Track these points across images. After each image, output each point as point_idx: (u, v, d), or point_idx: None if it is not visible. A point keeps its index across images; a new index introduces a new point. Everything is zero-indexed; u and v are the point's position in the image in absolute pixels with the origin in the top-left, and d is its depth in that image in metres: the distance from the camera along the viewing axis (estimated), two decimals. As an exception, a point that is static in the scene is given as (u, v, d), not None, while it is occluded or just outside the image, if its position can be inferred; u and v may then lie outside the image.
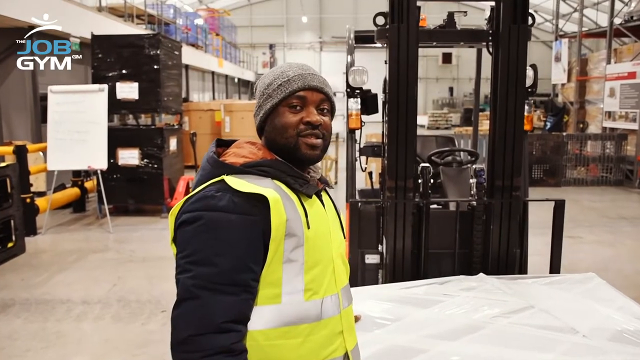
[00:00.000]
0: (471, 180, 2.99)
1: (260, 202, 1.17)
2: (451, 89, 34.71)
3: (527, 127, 2.88)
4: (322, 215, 1.31)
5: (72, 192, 7.87)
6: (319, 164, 1.38)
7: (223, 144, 1.37)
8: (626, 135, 10.74)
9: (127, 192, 7.69)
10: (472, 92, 33.41)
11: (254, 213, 1.17)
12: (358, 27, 3.91)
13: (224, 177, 1.21)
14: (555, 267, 2.88)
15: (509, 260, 2.82)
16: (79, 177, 8.00)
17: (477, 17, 4.25)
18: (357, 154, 3.44)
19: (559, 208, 2.84)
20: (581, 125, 13.23)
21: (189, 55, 16.90)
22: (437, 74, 34.19)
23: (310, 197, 1.28)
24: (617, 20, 11.87)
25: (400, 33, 2.67)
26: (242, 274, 1.15)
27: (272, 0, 34.51)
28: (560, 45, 14.31)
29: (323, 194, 1.39)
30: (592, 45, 15.98)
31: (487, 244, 2.86)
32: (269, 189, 1.19)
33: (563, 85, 14.46)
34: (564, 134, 11.41)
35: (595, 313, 2.15)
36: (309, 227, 1.23)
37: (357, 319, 1.81)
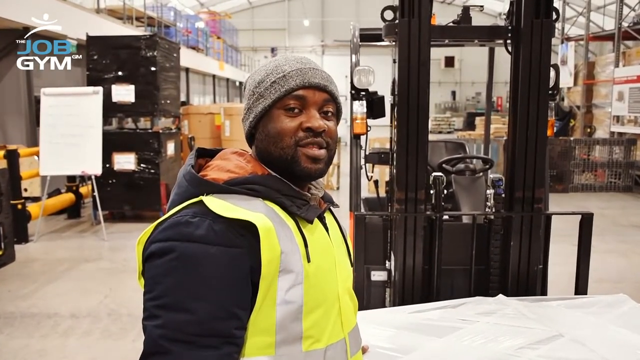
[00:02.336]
0: (488, 191, 2.73)
1: (248, 231, 0.92)
2: (454, 93, 34.50)
3: (548, 132, 2.63)
4: (325, 244, 1.06)
5: (67, 197, 7.64)
6: (321, 179, 1.13)
7: (205, 154, 1.12)
8: (635, 140, 10.49)
9: (123, 198, 7.46)
10: (474, 96, 33.30)
11: (240, 244, 0.92)
12: (357, 34, 3.67)
13: (203, 197, 0.96)
14: (581, 287, 2.62)
15: (529, 279, 2.56)
16: (73, 182, 7.78)
17: (481, 20, 4.05)
18: (362, 161, 3.19)
19: (586, 222, 2.58)
20: (588, 130, 12.96)
21: (189, 59, 16.73)
22: (439, 78, 33.95)
23: (311, 222, 1.03)
24: (623, 24, 11.64)
25: (411, 28, 2.42)
26: (224, 322, 0.90)
27: (274, 4, 34.37)
28: (566, 49, 14.06)
29: (327, 214, 1.14)
30: (596, 48, 15.74)
31: (506, 261, 2.61)
32: (258, 213, 0.94)
33: (569, 88, 14.20)
34: (572, 138, 11.15)
35: (635, 344, 1.90)
36: (309, 261, 0.98)
37: (363, 350, 1.57)
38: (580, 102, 13.38)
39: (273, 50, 34.36)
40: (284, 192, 1.01)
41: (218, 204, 0.94)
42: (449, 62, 33.16)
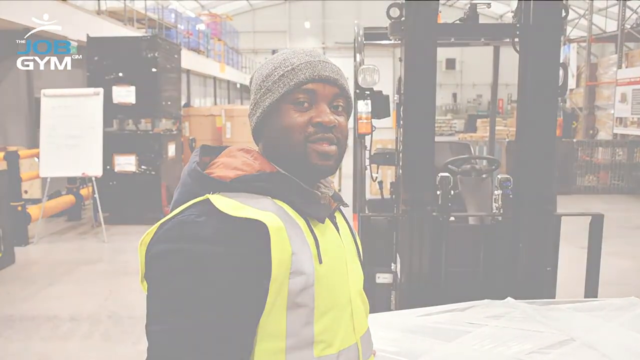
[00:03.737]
0: (495, 192, 2.69)
1: (257, 231, 0.87)
2: (455, 95, 34.45)
3: (557, 132, 2.58)
4: (337, 244, 1.01)
5: (67, 199, 7.59)
6: (331, 177, 1.08)
7: (210, 152, 1.08)
8: (638, 142, 10.45)
9: (124, 200, 7.42)
10: (475, 98, 33.24)
11: (249, 245, 0.87)
12: (361, 32, 3.63)
13: (209, 196, 0.92)
14: (591, 290, 2.58)
15: (538, 282, 2.51)
16: (74, 184, 7.74)
17: (482, 21, 4.02)
18: (367, 161, 3.15)
19: (596, 224, 2.54)
20: (591, 132, 12.92)
21: (190, 60, 16.67)
22: (440, 80, 33.82)
23: (323, 221, 0.98)
24: (626, 25, 11.61)
25: (418, 26, 2.39)
26: (233, 327, 0.86)
27: (275, 6, 34.35)
28: (568, 50, 14.02)
29: (336, 214, 1.09)
30: (598, 50, 15.72)
31: (515, 263, 2.56)
32: (268, 212, 0.90)
33: (571, 90, 14.16)
34: (575, 140, 11.11)
35: (649, 349, 1.85)
36: (321, 262, 0.93)
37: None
38: (582, 104, 13.33)
39: (274, 52, 34.02)
40: (294, 190, 0.96)
41: (226, 203, 0.89)
42: (450, 64, 33.10)
